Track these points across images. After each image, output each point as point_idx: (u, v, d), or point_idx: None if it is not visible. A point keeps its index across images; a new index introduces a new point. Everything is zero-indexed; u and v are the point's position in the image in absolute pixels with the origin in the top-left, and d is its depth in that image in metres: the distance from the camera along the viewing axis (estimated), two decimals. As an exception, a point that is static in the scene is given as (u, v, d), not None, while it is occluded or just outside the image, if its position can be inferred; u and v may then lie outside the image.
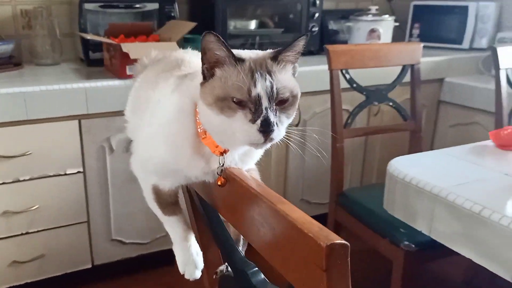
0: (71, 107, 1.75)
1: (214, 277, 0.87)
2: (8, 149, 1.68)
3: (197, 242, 0.86)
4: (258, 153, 0.75)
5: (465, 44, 2.84)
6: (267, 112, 0.60)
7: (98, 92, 1.78)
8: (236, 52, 0.64)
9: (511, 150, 1.39)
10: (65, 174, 1.81)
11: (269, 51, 0.67)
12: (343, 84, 1.82)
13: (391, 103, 1.96)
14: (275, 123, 0.61)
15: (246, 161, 0.73)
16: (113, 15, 2.16)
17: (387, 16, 2.53)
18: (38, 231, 1.82)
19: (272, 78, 0.62)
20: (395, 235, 1.54)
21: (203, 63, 0.65)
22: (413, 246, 1.49)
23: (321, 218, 2.13)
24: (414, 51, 1.94)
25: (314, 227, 0.46)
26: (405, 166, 1.27)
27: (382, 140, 2.51)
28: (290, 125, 0.67)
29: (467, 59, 2.74)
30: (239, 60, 0.63)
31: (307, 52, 2.55)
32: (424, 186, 1.17)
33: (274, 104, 0.61)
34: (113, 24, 2.02)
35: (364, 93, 1.89)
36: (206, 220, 0.82)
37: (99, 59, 2.07)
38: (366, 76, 2.03)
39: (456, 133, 2.62)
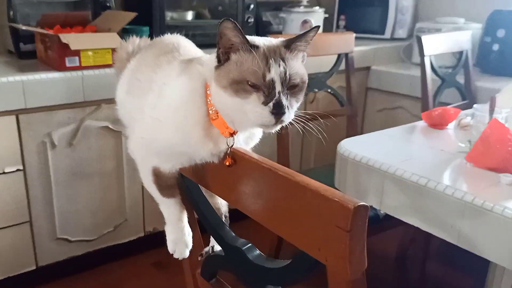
0: (7, 102, 1.66)
1: (199, 259, 0.90)
2: None
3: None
4: (258, 136, 0.79)
5: (387, 34, 3.05)
6: (279, 95, 0.65)
7: (36, 85, 1.70)
8: (250, 38, 0.68)
9: (441, 129, 1.55)
10: (3, 173, 1.71)
11: (281, 39, 0.71)
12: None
13: (329, 90, 2.07)
14: (286, 106, 0.65)
15: (248, 143, 0.77)
16: (43, 5, 2.06)
17: (317, 7, 2.65)
18: (-25, 235, 1.71)
19: (285, 64, 0.66)
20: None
21: (218, 48, 0.69)
22: (383, 212, 1.60)
23: None
24: (348, 40, 2.07)
25: (337, 193, 0.51)
26: (354, 147, 1.37)
27: (317, 126, 2.62)
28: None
29: (389, 49, 2.94)
30: (254, 46, 0.66)
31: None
32: (373, 164, 1.27)
33: (286, 88, 0.66)
34: (47, 15, 1.94)
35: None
36: (192, 202, 0.85)
37: (31, 51, 1.97)
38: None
39: (383, 117, 2.81)
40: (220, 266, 0.86)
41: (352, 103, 2.12)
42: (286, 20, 2.61)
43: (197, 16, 2.48)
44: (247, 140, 0.77)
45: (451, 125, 1.57)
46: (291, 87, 0.67)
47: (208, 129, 0.72)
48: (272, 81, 0.65)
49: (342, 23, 3.17)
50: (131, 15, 1.91)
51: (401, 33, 3.07)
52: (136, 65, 0.87)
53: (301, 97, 0.70)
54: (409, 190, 1.18)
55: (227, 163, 0.70)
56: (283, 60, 0.66)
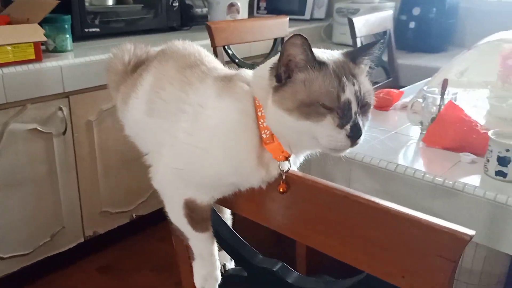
0: None
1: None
2: None
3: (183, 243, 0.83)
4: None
5: (307, 15, 3.10)
6: (355, 117, 0.60)
7: None
8: (315, 53, 0.62)
9: (387, 111, 1.62)
10: None
11: (342, 52, 0.66)
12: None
13: (268, 76, 2.06)
14: (363, 128, 0.61)
15: (296, 163, 0.70)
16: None
17: (242, -11, 2.60)
18: None
19: (358, 82, 0.61)
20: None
21: (279, 65, 0.62)
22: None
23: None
24: (283, 24, 2.07)
25: (443, 223, 0.48)
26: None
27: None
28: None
29: (311, 29, 3.00)
30: (322, 63, 0.61)
31: (169, 28, 2.49)
32: (339, 151, 1.29)
33: (359, 108, 0.61)
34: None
35: (246, 67, 1.94)
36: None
37: None
38: (239, 51, 2.10)
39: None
40: (236, 287, 0.81)
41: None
42: (211, 4, 2.53)
43: (119, 1, 2.31)
44: (295, 160, 0.70)
45: (394, 106, 1.65)
46: (362, 106, 0.62)
47: (261, 155, 0.66)
48: (348, 102, 0.60)
49: (262, 4, 3.16)
50: (53, 3, 1.72)
51: (320, 13, 3.14)
52: (155, 81, 0.75)
53: (369, 116, 0.65)
54: (378, 175, 1.22)
55: (281, 190, 0.64)
56: (354, 77, 0.62)
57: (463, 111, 1.25)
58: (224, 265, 0.84)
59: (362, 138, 0.61)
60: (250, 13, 3.11)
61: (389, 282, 0.55)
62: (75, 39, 2.02)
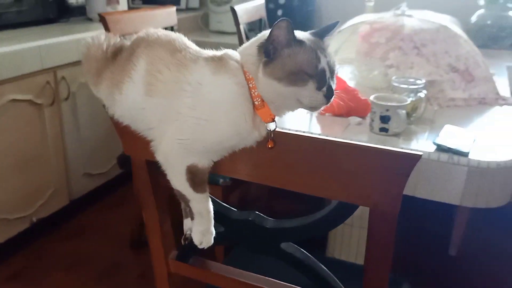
0: None
1: (184, 243, 0.94)
2: None
3: (154, 215, 0.92)
4: None
5: (183, 4, 3.20)
6: (329, 81, 0.77)
7: None
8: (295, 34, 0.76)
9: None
10: None
11: (310, 32, 0.81)
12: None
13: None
14: (333, 89, 0.78)
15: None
16: None
17: (118, -19, 2.60)
18: None
19: (327, 54, 0.78)
20: (212, 177, 1.81)
21: (268, 43, 0.75)
22: (228, 180, 1.80)
23: (104, 188, 2.22)
24: (171, 14, 2.16)
25: (394, 149, 0.67)
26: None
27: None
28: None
29: (189, 18, 3.12)
30: (301, 41, 0.76)
31: (46, 20, 2.41)
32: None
33: (330, 74, 0.78)
34: None
35: (141, 58, 2.00)
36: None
37: None
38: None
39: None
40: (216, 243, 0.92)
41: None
42: (90, -5, 2.49)
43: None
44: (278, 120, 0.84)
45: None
46: (331, 73, 0.79)
47: (254, 119, 0.78)
48: (323, 70, 0.76)
49: (137, -5, 3.17)
50: None
51: (194, 3, 3.26)
52: (149, 65, 0.81)
53: (335, 80, 0.82)
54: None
55: (270, 146, 0.78)
56: (325, 51, 0.78)
57: (345, 83, 1.52)
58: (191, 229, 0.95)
59: (333, 97, 0.80)
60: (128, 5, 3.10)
61: (357, 204, 0.75)
62: None
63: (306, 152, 0.75)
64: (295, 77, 0.76)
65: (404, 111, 1.31)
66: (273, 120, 0.80)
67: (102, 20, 1.81)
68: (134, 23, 1.94)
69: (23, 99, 1.95)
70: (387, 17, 1.88)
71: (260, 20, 2.62)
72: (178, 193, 0.86)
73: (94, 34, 0.93)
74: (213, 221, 0.88)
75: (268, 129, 0.79)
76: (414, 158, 0.66)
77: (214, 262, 0.94)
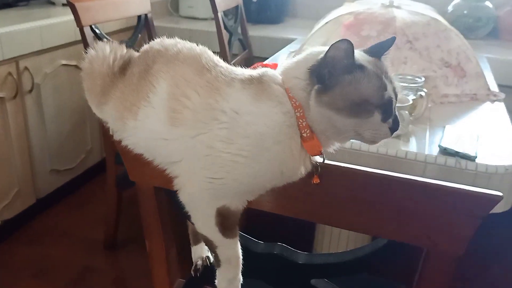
0: None
1: (195, 274, 0.84)
2: None
3: (160, 243, 0.82)
4: None
5: (151, -13, 3.02)
6: (395, 111, 0.66)
7: None
8: (355, 55, 0.65)
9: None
10: None
11: (365, 50, 0.69)
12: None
13: (136, 54, 2.00)
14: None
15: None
16: None
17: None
18: None
19: (392, 80, 0.67)
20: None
21: (324, 67, 0.64)
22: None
23: (72, 184, 2.07)
24: (144, 1, 2.01)
25: (471, 189, 0.59)
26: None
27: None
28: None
29: (157, 3, 2.95)
30: (362, 66, 0.65)
31: (3, 4, 2.21)
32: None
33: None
34: None
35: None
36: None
37: None
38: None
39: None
40: None
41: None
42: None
43: None
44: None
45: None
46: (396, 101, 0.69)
47: (300, 153, 0.67)
48: (390, 98, 0.66)
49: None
50: None
51: (162, -15, 3.09)
52: (172, 88, 0.69)
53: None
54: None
55: (315, 182, 0.67)
56: (388, 75, 0.67)
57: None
58: (207, 257, 0.85)
59: (398, 129, 0.69)
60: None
61: (412, 244, 0.66)
62: None
63: (359, 188, 0.66)
64: (358, 108, 0.65)
65: (406, 112, 1.25)
66: (321, 153, 0.69)
67: (71, 7, 1.64)
68: (106, 11, 1.78)
69: (-18, 92, 1.77)
70: (375, 8, 1.81)
71: (237, 6, 2.50)
72: (203, 238, 0.75)
73: (97, 45, 0.78)
74: (241, 267, 0.77)
75: (313, 162, 0.68)
76: (493, 200, 0.58)
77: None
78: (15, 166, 1.97)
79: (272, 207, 0.74)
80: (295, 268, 0.77)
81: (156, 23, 2.77)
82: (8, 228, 2.02)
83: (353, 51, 0.64)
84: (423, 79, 1.42)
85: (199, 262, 0.86)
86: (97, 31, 1.75)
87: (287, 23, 3.04)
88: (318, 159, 0.68)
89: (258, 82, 0.69)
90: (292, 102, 0.67)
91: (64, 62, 2.12)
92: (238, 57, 2.41)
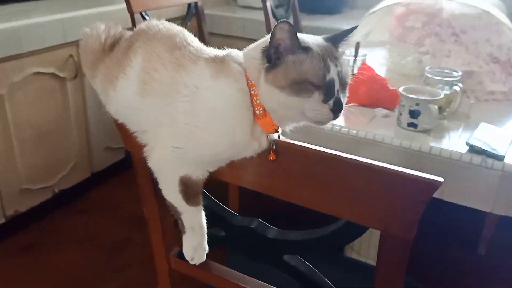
0: None
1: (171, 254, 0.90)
2: None
3: (155, 210, 0.88)
4: None
5: (212, -24, 3.10)
6: (338, 94, 0.68)
7: None
8: (301, 38, 0.67)
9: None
10: None
11: (324, 37, 0.72)
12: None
13: (186, 41, 2.08)
14: (343, 103, 0.69)
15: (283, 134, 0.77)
16: None
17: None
18: None
19: (339, 63, 0.69)
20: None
21: (269, 48, 0.67)
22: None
23: (126, 163, 2.18)
24: (194, -11, 2.08)
25: (412, 172, 0.58)
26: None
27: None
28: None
29: (217, -9, 3.02)
30: (307, 48, 0.67)
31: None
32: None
33: (340, 86, 0.69)
34: None
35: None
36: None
37: None
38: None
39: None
40: (213, 245, 0.87)
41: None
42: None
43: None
44: (282, 132, 0.76)
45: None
46: (342, 84, 0.70)
47: (253, 129, 0.71)
48: (332, 81, 0.67)
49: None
50: None
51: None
52: (145, 62, 0.75)
53: (347, 93, 0.73)
54: (307, 132, 1.35)
55: (272, 158, 0.70)
56: (336, 59, 0.69)
57: (374, 71, 1.42)
58: None
59: (342, 112, 0.70)
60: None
61: (366, 226, 0.67)
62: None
63: (312, 166, 0.68)
64: (299, 87, 0.67)
65: (436, 106, 1.21)
66: (276, 131, 0.72)
67: (124, -7, 1.75)
68: (155, -2, 1.87)
69: (45, 72, 1.93)
70: (426, -1, 1.74)
71: (290, -5, 2.50)
72: (169, 204, 0.80)
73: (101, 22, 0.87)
74: (206, 236, 0.82)
75: (270, 140, 0.71)
76: (433, 185, 0.57)
77: (216, 264, 0.89)
78: (73, 141, 2.14)
79: (232, 178, 0.78)
80: (267, 243, 0.80)
81: (212, 11, 2.87)
82: (64, 198, 2.19)
83: (295, 32, 0.66)
84: (460, 73, 1.35)
85: None
86: (147, 17, 1.85)
87: (345, 13, 2.99)
88: (275, 137, 0.71)
89: (220, 61, 0.73)
90: (249, 81, 0.71)
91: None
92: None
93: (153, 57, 0.76)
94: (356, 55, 1.49)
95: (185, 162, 0.75)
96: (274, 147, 0.70)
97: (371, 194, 0.63)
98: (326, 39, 0.72)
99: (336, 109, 0.69)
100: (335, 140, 1.30)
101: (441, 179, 0.57)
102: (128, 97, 0.77)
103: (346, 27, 0.73)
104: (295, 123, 0.75)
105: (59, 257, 1.94)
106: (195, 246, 0.82)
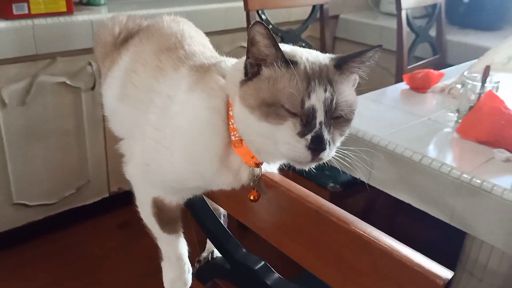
0: None
1: (196, 265, 0.81)
2: None
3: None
4: None
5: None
6: (320, 127, 0.52)
7: (-21, 36, 1.49)
8: (289, 50, 0.55)
9: (424, 93, 1.51)
10: None
11: (330, 55, 0.58)
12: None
13: (304, 44, 1.97)
14: (328, 141, 0.52)
15: (276, 163, 0.63)
16: None
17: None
18: None
19: (333, 90, 0.53)
20: (320, 178, 1.60)
21: (247, 57, 0.55)
22: (338, 187, 1.57)
23: None
24: (323, -10, 1.95)
25: (416, 259, 0.42)
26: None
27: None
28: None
29: (360, -4, 2.83)
30: (292, 62, 0.53)
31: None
32: (363, 135, 1.22)
33: (329, 119, 0.53)
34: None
35: (280, 34, 1.86)
36: (189, 207, 0.74)
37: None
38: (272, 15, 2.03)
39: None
40: (221, 276, 0.77)
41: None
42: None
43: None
44: (271, 168, 0.63)
45: (433, 89, 1.54)
46: (336, 118, 0.54)
47: (227, 159, 0.59)
48: (313, 109, 0.52)
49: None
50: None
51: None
52: (131, 63, 0.69)
53: (347, 130, 0.57)
54: (401, 165, 1.15)
55: (252, 197, 0.58)
56: (331, 84, 0.53)
57: (503, 103, 1.14)
58: (212, 252, 0.81)
59: (327, 153, 0.53)
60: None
61: None
62: (112, -7, 2.00)
63: (298, 214, 0.53)
64: (269, 110, 0.51)
65: None
66: (257, 165, 0.57)
67: (241, -10, 1.70)
68: (277, -4, 1.79)
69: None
70: None
71: (435, 5, 2.22)
72: (146, 226, 0.71)
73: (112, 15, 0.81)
74: (187, 269, 0.72)
75: (252, 175, 0.57)
76: (433, 284, 0.38)
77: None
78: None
79: (225, 204, 0.68)
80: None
81: (348, 16, 2.70)
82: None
83: (274, 39, 0.51)
84: None
85: (204, 254, 0.81)
86: (263, 16, 1.78)
87: (505, 31, 2.57)
88: (256, 171, 0.57)
89: (205, 71, 0.61)
90: (229, 99, 0.57)
91: (243, 44, 2.23)
92: (424, 61, 2.14)
93: (140, 58, 0.68)
94: (484, 81, 1.22)
95: (154, 182, 0.65)
96: (252, 184, 0.57)
97: (360, 266, 0.46)
98: (332, 58, 0.56)
99: (315, 148, 0.51)
100: (432, 178, 1.07)
101: (447, 275, 0.38)
102: (109, 98, 0.71)
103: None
104: (276, 159, 0.59)
105: (151, 239, 1.99)
106: (173, 278, 0.73)
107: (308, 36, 2.20)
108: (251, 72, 0.55)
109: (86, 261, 1.84)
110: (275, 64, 0.53)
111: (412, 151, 1.12)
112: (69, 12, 1.67)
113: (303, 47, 1.88)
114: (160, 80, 0.64)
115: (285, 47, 0.55)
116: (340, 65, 0.55)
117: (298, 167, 0.56)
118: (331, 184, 1.58)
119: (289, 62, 0.53)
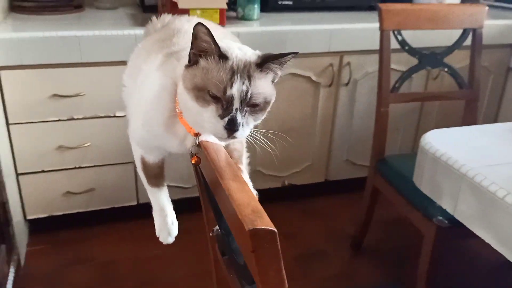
0: (124, 52, 1.81)
1: (210, 234, 0.91)
2: (63, 89, 1.80)
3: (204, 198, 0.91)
4: None
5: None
6: (235, 112, 0.65)
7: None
8: (224, 47, 0.67)
9: None
10: (115, 116, 1.91)
11: (257, 53, 0.69)
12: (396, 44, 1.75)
13: (446, 69, 1.85)
14: (241, 124, 0.65)
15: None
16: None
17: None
18: (89, 167, 1.96)
19: (250, 84, 0.65)
20: (429, 208, 1.47)
21: (191, 48, 0.68)
22: (446, 222, 1.44)
23: (362, 182, 2.13)
24: (478, 14, 1.80)
25: (247, 210, 0.48)
26: (438, 141, 1.22)
27: (440, 106, 2.39)
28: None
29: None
30: (223, 57, 0.66)
31: (368, 7, 2.45)
32: (453, 163, 1.12)
33: (245, 106, 0.65)
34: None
35: (417, 56, 1.79)
36: (204, 191, 0.85)
37: (153, 5, 2.10)
38: (420, 37, 1.95)
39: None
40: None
41: (473, 86, 1.87)
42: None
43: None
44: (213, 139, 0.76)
45: None
46: (252, 105, 0.66)
47: (172, 126, 0.73)
48: (232, 97, 0.64)
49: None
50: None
51: None
52: (140, 48, 0.91)
53: (261, 116, 0.69)
54: (485, 200, 1.03)
55: (193, 162, 0.72)
56: (249, 79, 0.65)
57: None
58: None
59: (239, 133, 0.65)
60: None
61: None
62: (268, 9, 2.21)
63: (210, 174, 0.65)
64: (199, 94, 0.65)
65: None
66: (196, 135, 0.71)
67: (378, 10, 1.71)
68: (418, 18, 1.74)
69: (302, 75, 2.10)
70: None
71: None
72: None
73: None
74: (170, 221, 0.86)
75: (192, 143, 0.71)
76: (246, 233, 0.45)
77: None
78: (313, 144, 2.26)
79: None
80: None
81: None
82: (290, 192, 2.35)
83: (212, 37, 0.63)
84: None
85: (216, 227, 0.88)
86: (399, 37, 1.75)
87: None
88: (195, 140, 0.72)
89: (169, 56, 0.76)
90: (176, 79, 0.72)
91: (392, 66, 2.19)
92: None
93: (144, 45, 0.87)
94: None
95: (137, 141, 0.83)
96: (191, 151, 0.71)
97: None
98: (259, 56, 0.68)
99: (229, 128, 0.64)
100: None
101: (270, 229, 0.44)
102: (124, 77, 0.91)
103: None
104: (207, 133, 0.71)
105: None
106: (159, 225, 0.88)
107: (466, 65, 2.03)
108: (193, 60, 0.68)
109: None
110: (211, 57, 0.66)
111: (498, 186, 1.00)
112: (221, 24, 1.92)
113: (446, 72, 1.78)
114: (146, 62, 0.82)
115: (221, 44, 0.67)
116: (262, 64, 0.67)
117: (219, 140, 0.70)
118: (439, 217, 1.45)
119: (222, 57, 0.66)
